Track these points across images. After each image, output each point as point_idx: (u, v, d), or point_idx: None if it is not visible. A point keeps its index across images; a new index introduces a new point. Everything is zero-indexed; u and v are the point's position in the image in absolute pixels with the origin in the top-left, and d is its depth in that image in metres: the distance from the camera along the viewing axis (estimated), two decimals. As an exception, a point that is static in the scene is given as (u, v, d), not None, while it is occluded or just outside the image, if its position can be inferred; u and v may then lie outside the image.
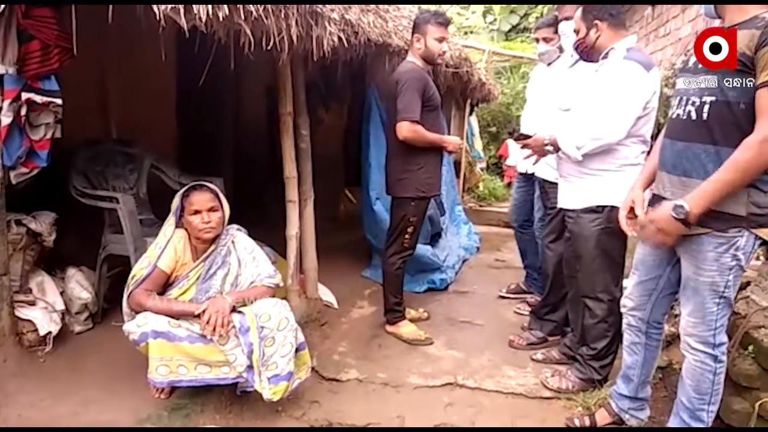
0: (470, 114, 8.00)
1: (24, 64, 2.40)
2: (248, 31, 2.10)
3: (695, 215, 1.88)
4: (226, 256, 2.57)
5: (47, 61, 2.43)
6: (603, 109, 2.50)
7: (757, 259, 2.76)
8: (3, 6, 2.18)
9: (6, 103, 2.39)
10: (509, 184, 8.62)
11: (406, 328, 3.41)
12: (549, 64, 3.72)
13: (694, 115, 1.94)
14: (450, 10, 10.54)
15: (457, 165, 6.95)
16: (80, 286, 3.07)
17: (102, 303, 3.24)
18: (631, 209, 2.20)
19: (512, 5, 13.40)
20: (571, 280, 2.99)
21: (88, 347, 2.99)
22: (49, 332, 2.78)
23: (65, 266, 3.16)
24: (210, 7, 1.85)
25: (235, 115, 5.40)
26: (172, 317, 2.35)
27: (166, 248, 2.47)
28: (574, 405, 2.70)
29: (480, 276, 4.81)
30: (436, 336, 3.41)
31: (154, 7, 1.78)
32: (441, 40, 3.19)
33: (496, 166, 9.87)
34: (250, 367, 2.36)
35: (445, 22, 3.21)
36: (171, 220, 2.54)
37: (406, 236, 3.33)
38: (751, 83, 1.80)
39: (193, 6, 1.82)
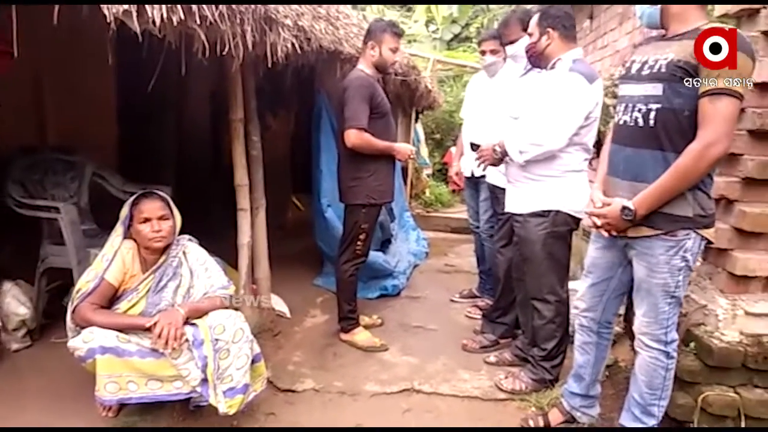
0: (416, 121, 8.09)
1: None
2: (203, 36, 2.05)
3: (641, 215, 2.01)
4: (178, 267, 2.48)
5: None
6: (545, 117, 2.59)
7: (695, 260, 2.91)
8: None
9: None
10: (454, 191, 8.76)
11: (360, 336, 3.40)
12: (491, 75, 3.83)
13: (641, 122, 2.04)
14: (399, 25, 10.62)
15: (404, 171, 7.00)
16: (17, 301, 2.91)
17: (41, 319, 3.08)
18: None
19: (453, 16, 13.68)
20: (519, 283, 3.07)
21: (27, 366, 2.84)
22: (-17, 351, 2.62)
23: (0, 280, 2.98)
24: (165, 10, 1.79)
25: (179, 120, 5.26)
26: (121, 331, 2.25)
27: (114, 260, 2.37)
28: (528, 405, 2.76)
29: (431, 281, 4.86)
30: (390, 342, 3.42)
31: (105, 9, 1.70)
32: (395, 50, 3.25)
33: (441, 173, 10.00)
34: (205, 380, 2.29)
35: (400, 33, 3.27)
36: (119, 230, 2.44)
37: (358, 243, 3.33)
38: (695, 92, 1.90)
39: (147, 9, 1.76)
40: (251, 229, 3.35)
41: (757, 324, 2.48)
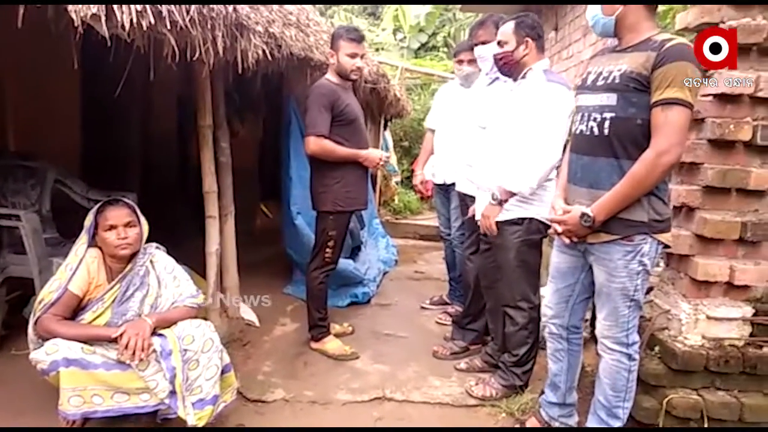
0: (384, 129, 8.12)
1: None
2: (173, 41, 2.02)
3: (599, 222, 2.07)
4: (145, 277, 2.43)
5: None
6: (539, 134, 2.58)
7: (658, 265, 2.99)
8: None
9: None
10: (423, 198, 8.80)
11: (331, 344, 3.37)
12: (469, 86, 3.87)
13: (596, 131, 2.10)
14: (360, 27, 10.68)
15: (373, 179, 7.01)
16: (-26, 313, 2.79)
17: (0, 330, 2.96)
18: None
19: (421, 25, 13.81)
20: (488, 291, 3.10)
21: (-15, 380, 2.72)
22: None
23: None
24: (134, 15, 1.76)
25: (145, 126, 5.16)
26: (86, 343, 2.19)
27: (78, 269, 2.30)
28: (499, 411, 2.79)
29: (401, 288, 4.87)
30: (361, 350, 3.40)
31: (73, 12, 1.66)
32: (353, 55, 3.19)
33: (410, 180, 10.04)
34: (173, 392, 2.24)
35: (357, 38, 3.22)
36: (83, 239, 2.37)
37: (327, 250, 3.31)
38: (647, 102, 1.97)
39: (116, 13, 1.72)
40: (220, 236, 3.31)
41: (719, 328, 2.55)
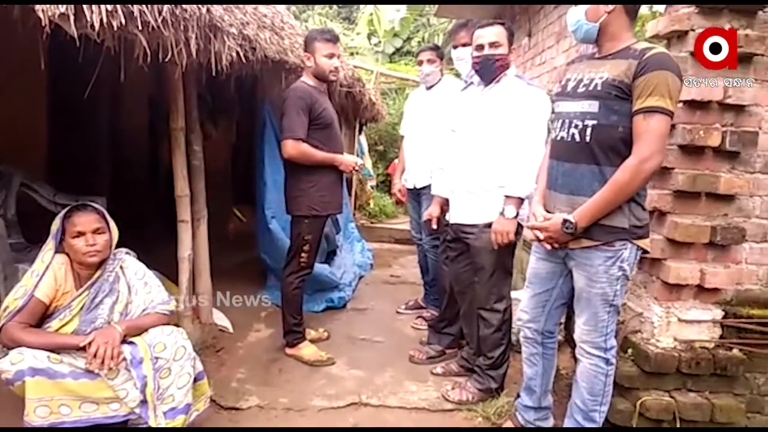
0: (359, 133, 8.11)
1: None
2: (144, 42, 1.97)
3: (581, 228, 2.08)
4: (114, 283, 2.36)
5: None
6: (528, 137, 2.62)
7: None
8: None
9: None
10: (398, 202, 8.82)
11: (306, 350, 3.34)
12: (429, 88, 3.90)
13: (578, 137, 2.12)
14: (332, 31, 10.67)
15: (348, 183, 6.99)
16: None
17: (-39, 339, 2.84)
18: None
19: (395, 29, 13.86)
20: (462, 295, 3.10)
21: (-56, 391, 2.61)
22: None
23: None
24: (104, 14, 1.71)
25: (114, 128, 5.04)
26: (53, 352, 2.12)
27: (45, 275, 2.23)
28: (475, 416, 2.79)
29: (377, 293, 4.85)
30: (337, 355, 3.37)
31: (40, 12, 1.61)
32: (330, 56, 3.20)
33: (385, 184, 10.06)
34: (144, 401, 2.18)
35: (333, 39, 3.23)
36: (50, 245, 2.30)
37: (303, 255, 3.28)
38: (629, 109, 1.99)
39: (86, 12, 1.68)
40: (192, 241, 3.25)
41: (690, 330, 2.60)
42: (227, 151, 6.66)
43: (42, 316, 2.23)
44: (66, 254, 2.31)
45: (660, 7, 2.88)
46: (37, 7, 1.63)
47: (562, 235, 2.12)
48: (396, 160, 8.96)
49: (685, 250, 2.64)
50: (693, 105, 2.54)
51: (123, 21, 1.81)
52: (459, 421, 2.77)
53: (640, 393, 2.53)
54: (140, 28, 1.91)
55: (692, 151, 2.60)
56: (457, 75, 3.62)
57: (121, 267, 2.40)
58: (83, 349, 2.11)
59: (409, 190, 4.11)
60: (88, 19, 1.70)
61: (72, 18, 1.68)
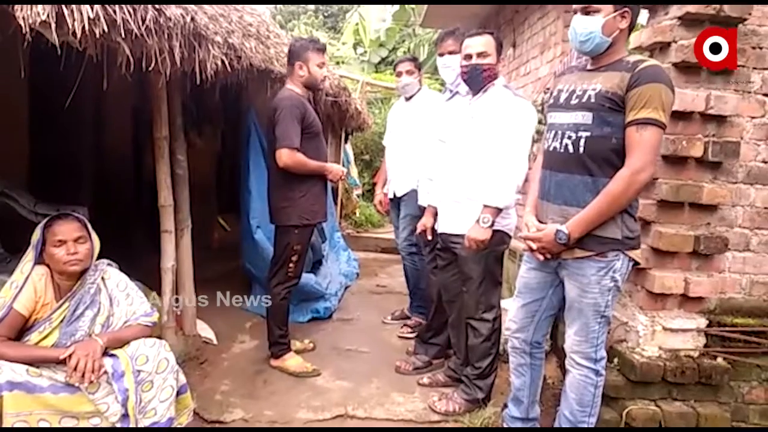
0: (345, 142, 8.11)
1: None
2: (127, 51, 1.95)
3: (575, 239, 2.08)
4: (96, 295, 2.31)
5: None
6: (511, 147, 2.61)
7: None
8: None
9: None
10: (380, 212, 8.81)
11: (292, 361, 3.30)
12: (408, 98, 3.92)
13: (571, 149, 2.12)
14: (320, 40, 10.70)
15: (334, 192, 6.98)
16: None
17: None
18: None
19: (381, 39, 13.92)
20: (450, 304, 3.09)
21: None
22: None
23: None
24: (87, 22, 1.69)
25: (97, 137, 4.98)
26: (32, 365, 2.07)
27: (24, 287, 2.17)
28: (462, 426, 2.77)
29: (363, 302, 4.82)
30: (323, 367, 3.34)
31: (21, 18, 1.58)
32: (321, 65, 3.24)
33: (371, 193, 10.05)
34: (125, 415, 2.14)
35: (323, 48, 3.27)
36: (30, 255, 2.25)
37: (291, 265, 3.25)
38: (622, 121, 2.01)
39: (67, 20, 1.65)
40: (176, 251, 3.21)
41: (675, 339, 2.62)
42: (212, 160, 6.61)
43: (21, 328, 2.18)
44: (46, 265, 2.26)
45: (642, 19, 2.92)
46: (18, 14, 1.60)
47: (555, 245, 2.12)
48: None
49: (669, 259, 2.66)
50: (675, 115, 2.57)
51: (105, 29, 1.78)
52: (446, 432, 2.75)
53: (626, 402, 2.53)
54: (123, 36, 1.89)
55: (675, 161, 2.62)
56: (443, 84, 3.64)
57: (102, 278, 2.36)
58: (63, 362, 2.07)
59: (390, 199, 4.11)
60: (70, 26, 1.67)
61: (53, 25, 1.65)
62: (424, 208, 3.53)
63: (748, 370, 2.66)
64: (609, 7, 2.05)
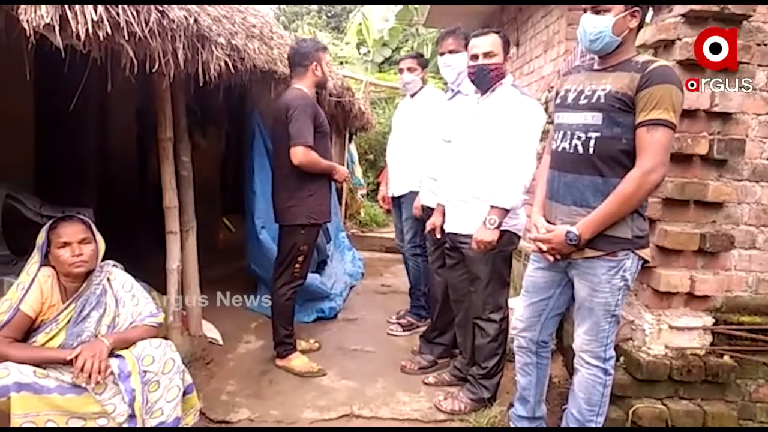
0: (349, 142, 8.12)
1: None
2: (131, 53, 1.95)
3: (585, 240, 2.07)
4: (101, 296, 2.32)
5: None
6: (519, 147, 2.59)
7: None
8: None
9: None
10: (388, 211, 8.81)
11: (297, 361, 3.31)
12: (413, 96, 3.91)
13: (581, 149, 2.11)
14: (324, 40, 10.73)
15: (338, 191, 6.99)
16: None
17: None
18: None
19: (384, 39, 13.92)
20: (458, 304, 3.08)
21: (-74, 408, 2.55)
22: None
23: None
24: (90, 25, 1.70)
25: (102, 139, 5.00)
26: (39, 366, 2.08)
27: (31, 289, 2.19)
28: (467, 426, 2.76)
29: (367, 302, 4.83)
30: (328, 366, 3.35)
31: (25, 22, 1.59)
32: (327, 65, 3.27)
33: (375, 193, 10.06)
34: (132, 416, 2.14)
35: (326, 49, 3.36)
36: (36, 257, 2.26)
37: (297, 265, 3.26)
38: (632, 121, 2.00)
39: (71, 23, 1.66)
40: (181, 252, 3.22)
41: (681, 337, 2.61)
42: (216, 161, 6.62)
43: (28, 330, 2.20)
44: (52, 267, 2.27)
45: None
46: (22, 17, 1.61)
47: (566, 246, 2.11)
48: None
49: (675, 257, 2.65)
50: (680, 113, 2.55)
51: (109, 31, 1.79)
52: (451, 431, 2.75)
53: (632, 401, 2.53)
54: (127, 38, 1.90)
55: (680, 159, 2.61)
56: (446, 83, 3.64)
57: (108, 279, 2.37)
58: (70, 363, 2.08)
59: (392, 198, 4.11)
60: (74, 29, 1.68)
61: (57, 28, 1.66)
62: (425, 207, 3.55)
63: (755, 368, 2.65)
64: (619, 7, 2.04)
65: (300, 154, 3.03)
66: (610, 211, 2.04)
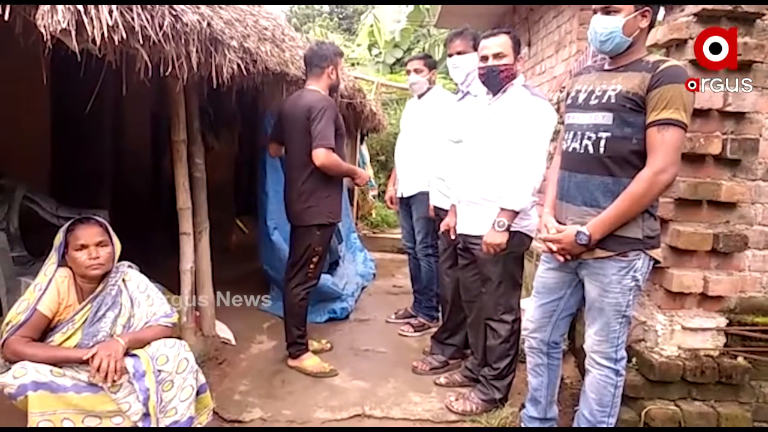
0: (361, 143, 8.14)
1: None
2: (145, 56, 1.99)
3: (595, 240, 2.06)
4: (117, 296, 2.36)
5: None
6: (529, 148, 2.58)
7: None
8: None
9: None
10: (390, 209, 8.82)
11: (309, 361, 3.33)
12: (420, 97, 3.92)
13: (591, 149, 2.11)
14: (335, 42, 10.76)
15: (350, 192, 7.01)
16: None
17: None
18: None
19: (396, 40, 13.94)
20: (470, 304, 3.08)
21: (-53, 406, 2.61)
22: None
23: None
24: (106, 29, 1.73)
25: (117, 142, 5.06)
26: (55, 365, 2.12)
27: (48, 289, 2.23)
28: (479, 426, 2.77)
29: (379, 303, 4.84)
30: (340, 367, 3.36)
31: (42, 27, 1.62)
32: (342, 70, 3.35)
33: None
34: (147, 414, 2.17)
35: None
36: (53, 258, 2.30)
37: (311, 266, 3.28)
38: (643, 121, 1.99)
39: (87, 27, 1.69)
40: (194, 253, 3.25)
41: (694, 338, 2.59)
42: (229, 163, 6.68)
43: (45, 330, 2.23)
44: (69, 267, 2.31)
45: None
46: (39, 22, 1.64)
47: (576, 247, 2.11)
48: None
49: (688, 258, 2.64)
50: (693, 113, 2.51)
51: (124, 35, 1.82)
52: (463, 432, 2.75)
53: (645, 402, 2.51)
54: (141, 42, 1.93)
55: (693, 159, 2.60)
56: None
57: (123, 280, 2.40)
58: (86, 362, 2.11)
59: (399, 198, 4.11)
60: (90, 33, 1.71)
61: (73, 33, 1.69)
62: (437, 208, 3.56)
63: (769, 369, 2.62)
64: (630, 7, 2.03)
65: (323, 156, 3.04)
66: (621, 212, 2.03)
